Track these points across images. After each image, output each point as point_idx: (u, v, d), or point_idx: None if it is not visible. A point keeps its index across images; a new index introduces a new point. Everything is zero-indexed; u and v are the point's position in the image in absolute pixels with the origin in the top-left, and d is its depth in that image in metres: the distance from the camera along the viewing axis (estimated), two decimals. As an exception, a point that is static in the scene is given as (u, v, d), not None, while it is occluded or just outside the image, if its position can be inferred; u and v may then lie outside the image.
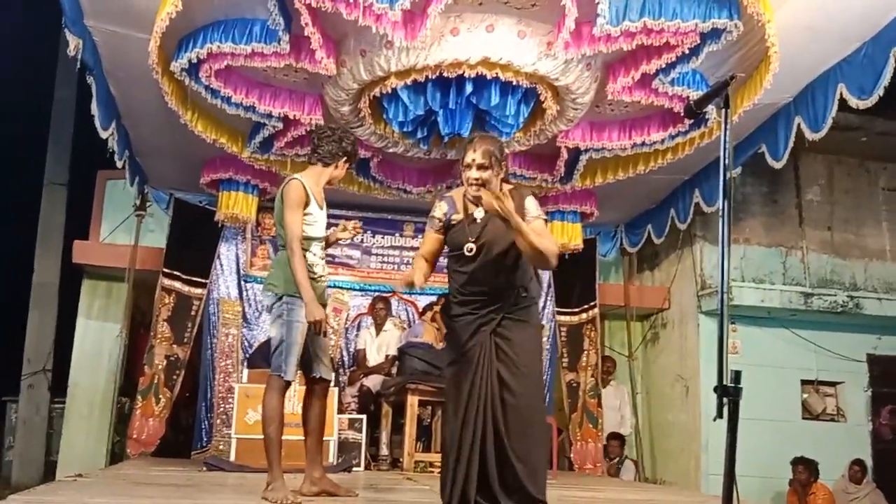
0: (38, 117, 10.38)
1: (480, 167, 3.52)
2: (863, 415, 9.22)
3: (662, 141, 6.69)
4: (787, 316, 8.90)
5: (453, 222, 3.63)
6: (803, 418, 9.07)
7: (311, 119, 6.35)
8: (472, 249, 3.54)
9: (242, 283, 8.52)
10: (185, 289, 8.31)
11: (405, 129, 6.31)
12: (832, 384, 9.28)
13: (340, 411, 7.12)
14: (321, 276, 4.37)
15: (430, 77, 5.63)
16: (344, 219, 4.74)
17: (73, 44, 5.31)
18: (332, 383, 4.69)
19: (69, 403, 8.83)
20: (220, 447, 7.68)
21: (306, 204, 4.25)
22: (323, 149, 4.40)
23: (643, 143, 6.73)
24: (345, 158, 4.44)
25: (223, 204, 7.82)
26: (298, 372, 4.32)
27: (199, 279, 8.35)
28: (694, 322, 9.02)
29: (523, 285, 3.60)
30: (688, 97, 5.84)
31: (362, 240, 8.79)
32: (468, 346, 3.51)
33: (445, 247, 3.69)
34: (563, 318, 9.06)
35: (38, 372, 9.62)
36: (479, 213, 3.60)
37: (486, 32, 5.36)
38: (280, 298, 4.20)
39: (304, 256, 4.21)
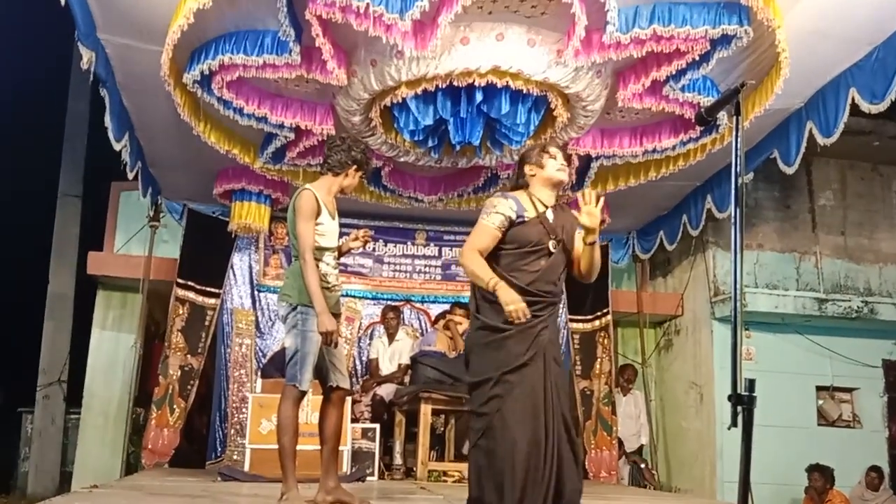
0: (52, 130, 10.46)
1: (564, 159, 3.71)
2: (879, 421, 9.14)
3: (674, 147, 6.68)
4: (801, 322, 8.84)
5: (525, 219, 3.60)
6: (819, 425, 9.00)
7: (322, 129, 6.37)
8: (556, 245, 3.61)
9: (256, 292, 8.55)
10: (199, 299, 8.35)
11: (416, 139, 6.32)
12: (848, 390, 9.20)
13: (354, 420, 7.13)
14: (335, 286, 4.39)
15: (440, 86, 5.64)
16: (356, 228, 4.76)
17: (86, 57, 5.36)
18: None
19: (84, 414, 8.87)
20: (235, 457, 7.69)
21: (318, 214, 4.27)
22: (333, 158, 4.44)
23: (654, 150, 6.72)
24: (355, 167, 4.46)
25: (236, 214, 7.85)
26: (314, 381, 4.34)
27: (213, 289, 8.39)
28: (708, 328, 8.98)
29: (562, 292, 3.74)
30: (698, 103, 5.84)
31: (374, 248, 8.81)
32: (531, 352, 3.47)
33: (508, 244, 3.61)
34: (575, 325, 9.04)
35: (53, 383, 9.67)
36: (549, 214, 3.67)
37: (495, 41, 5.36)
38: (294, 308, 4.22)
39: (318, 266, 4.23)
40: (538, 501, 3.35)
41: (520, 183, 3.75)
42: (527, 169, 3.70)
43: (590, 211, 3.56)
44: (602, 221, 8.11)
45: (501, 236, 3.58)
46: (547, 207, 3.68)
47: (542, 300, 3.56)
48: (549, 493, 3.37)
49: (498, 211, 3.58)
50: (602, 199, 3.63)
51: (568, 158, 3.72)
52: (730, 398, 2.52)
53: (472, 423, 3.61)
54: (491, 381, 3.45)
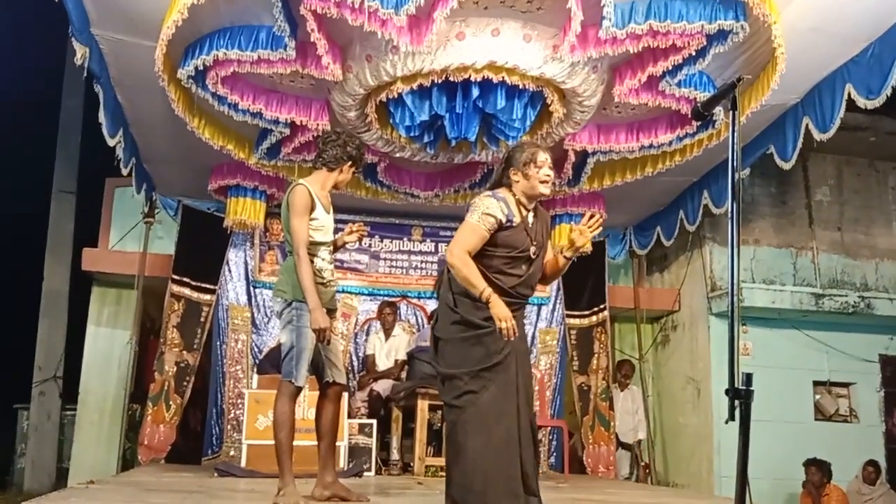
0: (46, 126, 10.41)
1: (551, 168, 3.69)
2: (876, 415, 9.16)
3: (670, 143, 6.68)
4: (798, 317, 8.85)
5: (513, 224, 3.61)
6: (816, 419, 9.02)
7: (317, 125, 6.36)
8: (535, 252, 3.65)
9: (251, 288, 8.53)
10: (195, 295, 8.32)
11: (412, 134, 6.30)
12: (844, 385, 9.23)
13: (350, 416, 7.12)
14: (330, 281, 4.37)
15: (436, 81, 5.63)
16: (351, 223, 4.73)
17: (80, 52, 5.33)
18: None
19: (80, 410, 8.85)
20: (231, 453, 7.69)
21: (312, 209, 4.26)
22: (327, 153, 4.42)
23: (651, 145, 6.71)
24: (350, 162, 4.44)
25: (231, 210, 7.84)
26: (310, 377, 4.33)
27: (208, 285, 8.36)
28: (704, 324, 8.99)
29: None
30: (695, 99, 5.83)
31: (370, 244, 8.79)
32: (506, 351, 3.52)
33: (498, 247, 3.61)
34: (572, 320, 9.03)
35: (48, 379, 9.65)
36: (530, 218, 3.69)
37: (491, 36, 5.35)
38: (289, 304, 4.21)
39: (313, 262, 4.22)
40: (507, 498, 3.41)
41: (503, 182, 3.72)
42: (511, 173, 3.67)
43: (583, 231, 3.65)
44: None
45: (488, 238, 3.58)
46: (528, 211, 3.70)
47: (520, 303, 3.65)
48: (518, 490, 3.43)
49: (490, 212, 3.55)
50: (601, 225, 3.71)
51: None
52: (727, 392, 2.51)
53: (445, 413, 3.66)
54: (468, 375, 3.49)
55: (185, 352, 8.21)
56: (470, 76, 5.54)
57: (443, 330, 3.64)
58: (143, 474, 6.52)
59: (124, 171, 7.19)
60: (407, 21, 4.97)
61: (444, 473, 6.61)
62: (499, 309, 3.39)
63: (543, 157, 3.66)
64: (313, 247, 4.26)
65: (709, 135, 6.63)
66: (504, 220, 3.56)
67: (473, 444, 3.43)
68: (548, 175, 3.66)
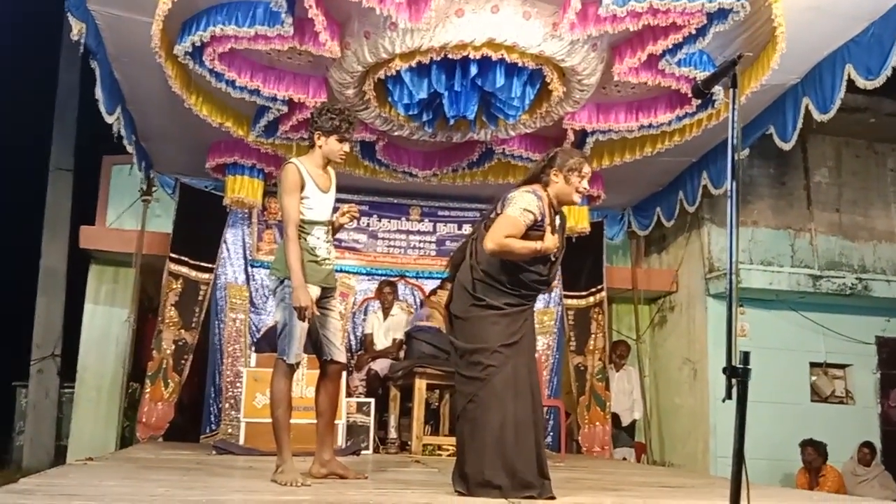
0: (43, 103, 10.35)
1: (589, 183, 3.87)
2: (871, 397, 9.19)
3: (669, 122, 6.66)
4: (795, 298, 8.86)
5: (543, 226, 3.69)
6: (812, 401, 9.05)
7: (315, 102, 6.32)
8: (555, 255, 3.78)
9: (249, 267, 8.51)
10: (193, 274, 8.31)
11: (410, 112, 6.27)
12: (841, 367, 9.25)
13: (349, 395, 7.14)
14: (325, 259, 4.32)
15: (434, 59, 5.60)
16: (349, 203, 4.70)
17: (76, 28, 5.29)
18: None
19: (78, 388, 8.87)
20: (230, 431, 7.71)
21: (302, 187, 4.23)
22: (308, 131, 4.41)
23: (650, 125, 6.69)
24: (318, 132, 4.30)
25: (229, 188, 7.81)
26: (307, 355, 4.32)
27: (206, 264, 8.35)
28: (702, 305, 9.00)
29: None
30: (695, 78, 5.81)
31: (368, 224, 8.78)
32: (521, 332, 3.69)
33: None
34: (570, 301, 9.03)
35: (47, 357, 9.64)
36: (557, 221, 3.82)
37: (490, 13, 5.32)
38: (282, 282, 4.20)
39: (306, 240, 4.21)
40: (524, 475, 3.50)
41: (541, 178, 3.79)
42: (552, 172, 3.75)
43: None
44: (597, 197, 8.20)
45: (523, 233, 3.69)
46: (556, 214, 3.81)
47: (534, 295, 3.83)
48: (532, 469, 3.53)
49: (530, 209, 3.65)
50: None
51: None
52: (725, 370, 2.51)
53: (461, 386, 3.70)
54: (488, 350, 3.60)
55: (183, 330, 8.22)
56: (469, 54, 5.51)
57: (461, 309, 3.76)
58: (141, 451, 6.54)
59: (129, 149, 7.16)
60: (406, -3, 4.94)
61: (440, 452, 6.71)
62: (546, 241, 3.62)
63: (588, 170, 3.79)
64: (308, 225, 4.24)
65: (708, 115, 6.61)
66: (539, 219, 3.66)
67: (492, 420, 3.52)
68: (586, 188, 3.82)
